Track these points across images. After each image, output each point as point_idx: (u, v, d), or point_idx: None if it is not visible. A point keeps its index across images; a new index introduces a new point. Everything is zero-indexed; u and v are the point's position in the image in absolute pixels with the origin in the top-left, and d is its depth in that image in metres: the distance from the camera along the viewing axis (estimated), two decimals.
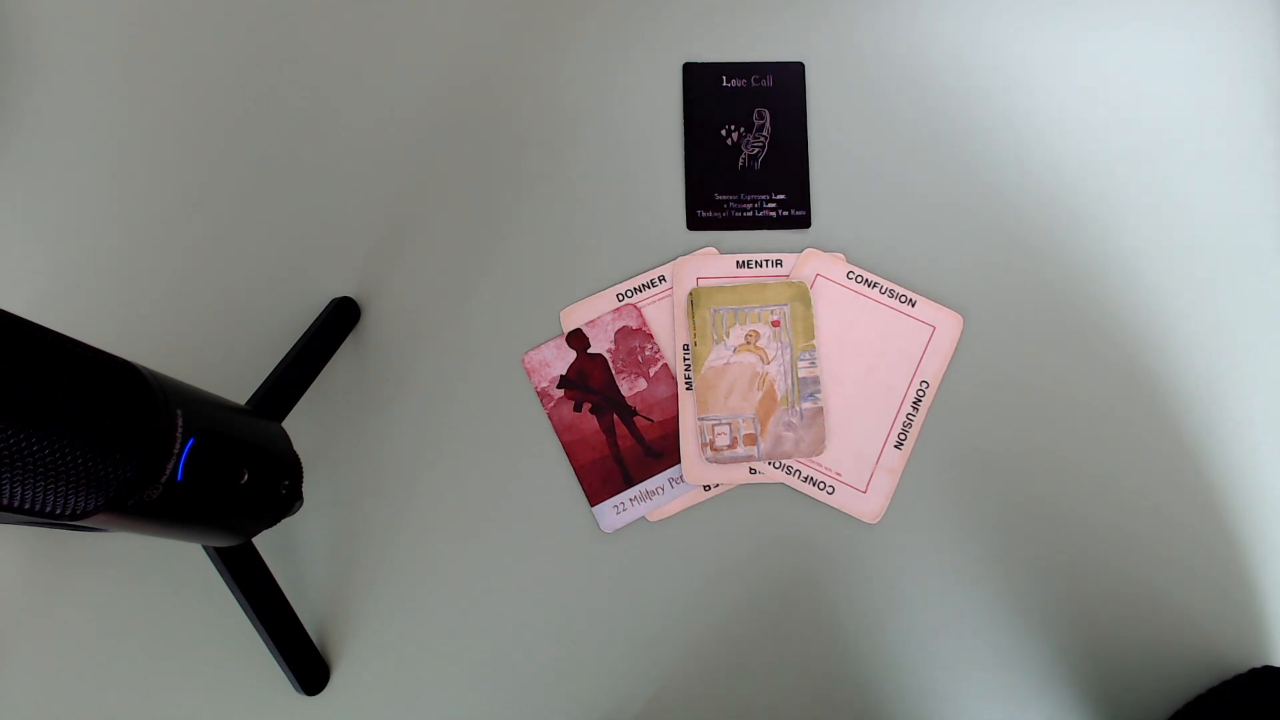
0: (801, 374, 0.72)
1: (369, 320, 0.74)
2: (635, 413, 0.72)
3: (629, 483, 0.71)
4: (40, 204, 0.75)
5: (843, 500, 0.71)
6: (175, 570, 0.70)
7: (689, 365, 0.72)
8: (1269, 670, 0.65)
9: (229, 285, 0.74)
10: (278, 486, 0.56)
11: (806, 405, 0.71)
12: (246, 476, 0.53)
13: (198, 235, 0.75)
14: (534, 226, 0.75)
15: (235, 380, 0.73)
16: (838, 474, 0.71)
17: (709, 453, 0.71)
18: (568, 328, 0.73)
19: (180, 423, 0.47)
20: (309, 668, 0.67)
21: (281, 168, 0.76)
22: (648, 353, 0.73)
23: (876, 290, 0.73)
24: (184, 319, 0.74)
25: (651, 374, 0.73)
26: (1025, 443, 0.72)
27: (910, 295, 0.73)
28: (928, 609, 0.70)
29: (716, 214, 0.75)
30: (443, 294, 0.74)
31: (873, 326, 0.73)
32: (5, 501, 0.40)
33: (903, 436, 0.71)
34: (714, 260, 0.74)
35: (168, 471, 0.46)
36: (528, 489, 0.71)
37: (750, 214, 0.75)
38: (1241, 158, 0.76)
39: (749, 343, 0.72)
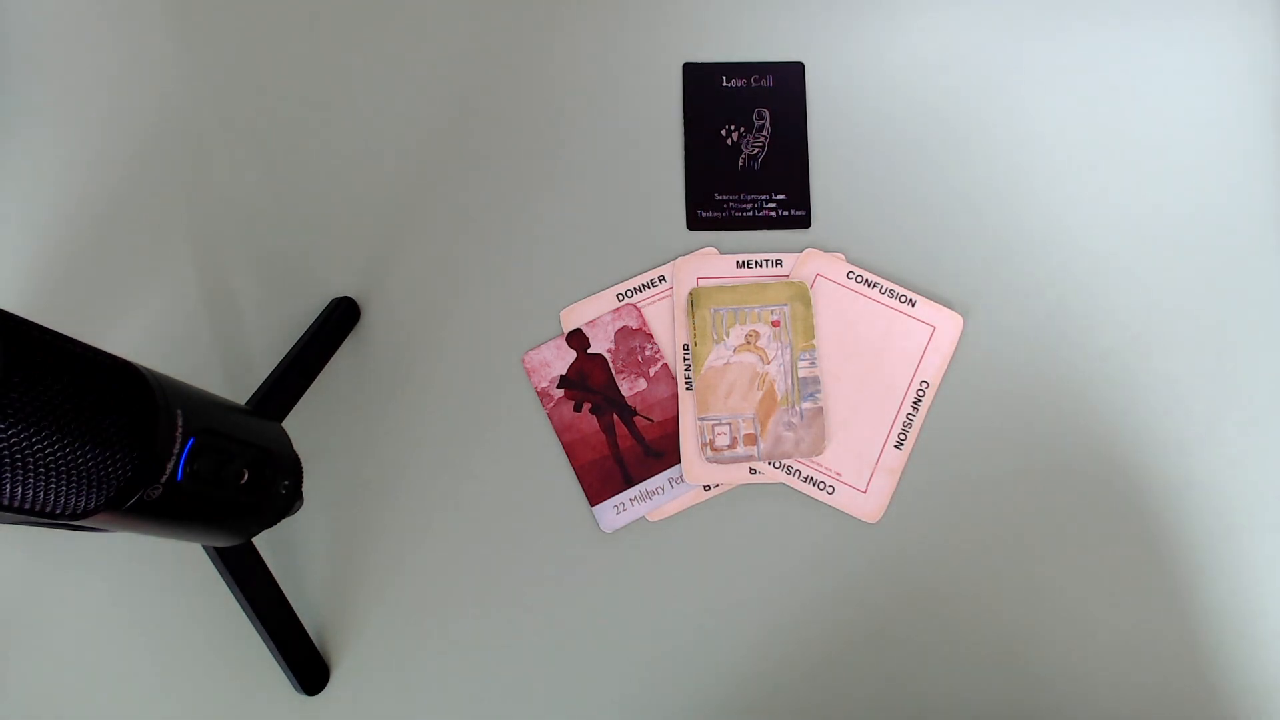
0: (801, 374, 0.72)
1: (369, 320, 0.74)
2: (635, 413, 0.72)
3: (629, 483, 0.71)
4: (40, 204, 0.75)
5: (843, 500, 0.71)
6: (175, 570, 0.70)
7: (689, 365, 0.72)
8: None
9: (229, 285, 0.74)
10: (278, 486, 0.56)
11: (806, 405, 0.71)
12: (246, 476, 0.53)
13: (198, 235, 0.75)
14: (534, 226, 0.75)
15: (235, 380, 0.73)
16: (838, 474, 0.71)
17: (709, 453, 0.71)
18: (568, 328, 0.73)
19: (180, 423, 0.47)
20: (309, 668, 0.67)
21: (282, 168, 0.76)
22: (648, 353, 0.73)
23: (876, 290, 0.73)
24: (184, 319, 0.74)
25: (651, 374, 0.73)
26: (1025, 443, 0.72)
27: (910, 295, 0.73)
28: (928, 609, 0.70)
29: (716, 214, 0.75)
30: (443, 294, 0.74)
31: (873, 326, 0.73)
32: (5, 501, 0.40)
33: (903, 436, 0.71)
34: (714, 260, 0.74)
35: (168, 471, 0.46)
36: (528, 489, 0.71)
37: (750, 214, 0.75)
38: (1242, 158, 0.76)
39: (749, 343, 0.72)
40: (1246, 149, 0.76)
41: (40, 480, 0.40)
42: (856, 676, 0.69)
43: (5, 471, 0.39)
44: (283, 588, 0.67)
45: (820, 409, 0.71)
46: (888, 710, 0.69)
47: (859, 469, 0.71)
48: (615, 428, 0.72)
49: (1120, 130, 0.76)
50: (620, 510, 0.71)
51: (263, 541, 0.70)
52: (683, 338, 0.73)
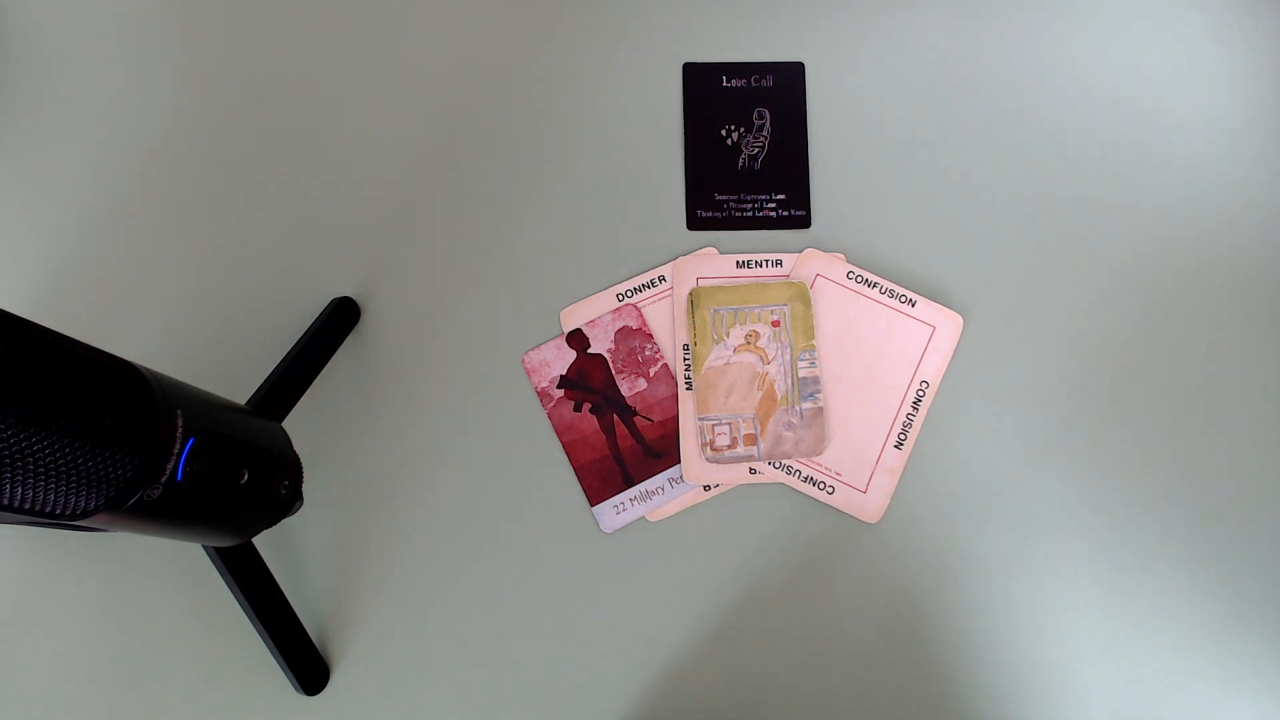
0: (801, 374, 0.72)
1: (369, 320, 0.74)
2: (635, 413, 0.72)
3: (629, 483, 0.71)
4: (40, 204, 0.75)
5: (843, 500, 0.71)
6: (175, 570, 0.70)
7: (689, 365, 0.72)
8: None
9: (229, 285, 0.74)
10: (278, 486, 0.56)
11: (806, 405, 0.71)
12: (246, 476, 0.53)
13: (198, 235, 0.75)
14: (534, 226, 0.75)
15: (235, 380, 0.73)
16: (838, 474, 0.71)
17: (709, 453, 0.71)
18: (568, 328, 0.73)
19: (180, 423, 0.47)
20: (309, 668, 0.67)
21: (282, 168, 0.76)
22: (648, 353, 0.73)
23: (876, 290, 0.73)
24: (184, 319, 0.74)
25: (651, 374, 0.73)
26: (1024, 443, 0.72)
27: (910, 295, 0.73)
28: (927, 609, 0.70)
29: (716, 214, 0.75)
30: (443, 294, 0.74)
31: (873, 326, 0.73)
32: (5, 501, 0.40)
33: (903, 436, 0.71)
34: (714, 260, 0.74)
35: (168, 471, 0.46)
36: (528, 489, 0.71)
37: (750, 214, 0.75)
38: (1243, 159, 0.76)
39: (749, 343, 0.72)
40: (1248, 149, 0.76)
41: (40, 480, 0.40)
42: (856, 676, 0.69)
43: (5, 471, 0.39)
44: (283, 588, 0.67)
45: (820, 409, 0.71)
46: (887, 709, 0.69)
47: (859, 469, 0.71)
48: (615, 428, 0.72)
49: (1121, 130, 0.76)
50: (620, 510, 0.71)
51: (263, 541, 0.70)
52: (683, 338, 0.73)
